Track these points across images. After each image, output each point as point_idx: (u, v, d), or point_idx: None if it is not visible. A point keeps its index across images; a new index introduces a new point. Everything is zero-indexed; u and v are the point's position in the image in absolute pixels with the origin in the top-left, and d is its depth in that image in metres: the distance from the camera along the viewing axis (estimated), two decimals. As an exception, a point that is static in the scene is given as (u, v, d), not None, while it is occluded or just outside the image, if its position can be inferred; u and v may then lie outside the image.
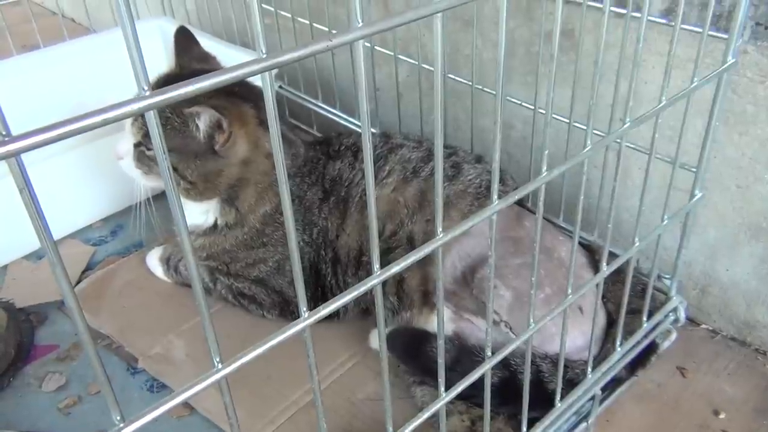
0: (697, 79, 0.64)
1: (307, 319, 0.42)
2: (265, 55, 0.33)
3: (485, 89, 0.98)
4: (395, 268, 0.46)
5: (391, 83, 1.10)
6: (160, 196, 0.95)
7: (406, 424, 0.53)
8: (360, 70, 0.38)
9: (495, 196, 0.50)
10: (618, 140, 0.59)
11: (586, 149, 0.55)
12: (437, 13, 0.39)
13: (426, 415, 0.54)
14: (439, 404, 0.54)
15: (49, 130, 0.27)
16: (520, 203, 0.88)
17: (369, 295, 0.91)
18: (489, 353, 0.57)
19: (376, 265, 0.45)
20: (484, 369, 0.57)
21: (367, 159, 0.41)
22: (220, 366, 0.38)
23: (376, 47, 1.08)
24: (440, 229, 0.48)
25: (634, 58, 0.56)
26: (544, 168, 0.52)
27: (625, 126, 0.58)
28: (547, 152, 0.52)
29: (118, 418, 0.35)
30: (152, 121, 0.32)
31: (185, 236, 0.35)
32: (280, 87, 1.25)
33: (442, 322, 0.52)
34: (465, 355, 0.76)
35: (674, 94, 0.62)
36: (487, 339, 0.57)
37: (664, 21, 0.79)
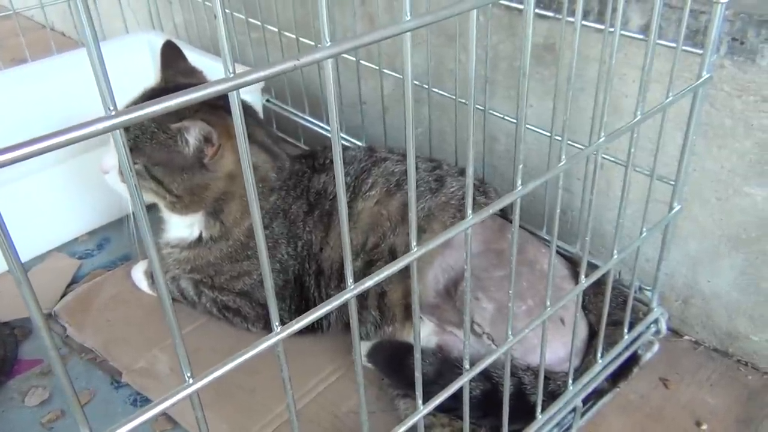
0: (672, 93, 0.65)
1: (280, 333, 0.42)
2: (232, 74, 0.34)
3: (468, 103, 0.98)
4: (369, 282, 0.46)
5: (376, 96, 1.11)
6: (149, 208, 0.95)
7: (383, 437, 0.53)
8: (330, 88, 0.39)
9: (469, 210, 0.51)
10: (594, 153, 0.59)
11: (562, 163, 0.56)
12: (406, 32, 0.39)
13: (404, 427, 0.54)
14: (417, 417, 0.55)
15: (12, 151, 0.27)
16: (504, 216, 0.89)
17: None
18: (467, 365, 0.57)
19: (350, 279, 0.45)
20: (463, 381, 0.57)
21: (338, 171, 0.41)
22: (191, 380, 0.39)
23: (361, 61, 1.09)
24: (415, 243, 0.48)
25: (608, 73, 0.57)
26: (519, 182, 0.53)
27: (600, 140, 0.58)
28: (521, 166, 0.53)
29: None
30: (119, 141, 0.32)
31: (153, 251, 0.35)
32: (268, 101, 1.26)
33: (418, 335, 0.52)
34: (448, 368, 0.76)
35: (650, 109, 0.63)
36: (465, 351, 0.57)
37: (641, 36, 0.80)
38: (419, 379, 0.53)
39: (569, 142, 0.89)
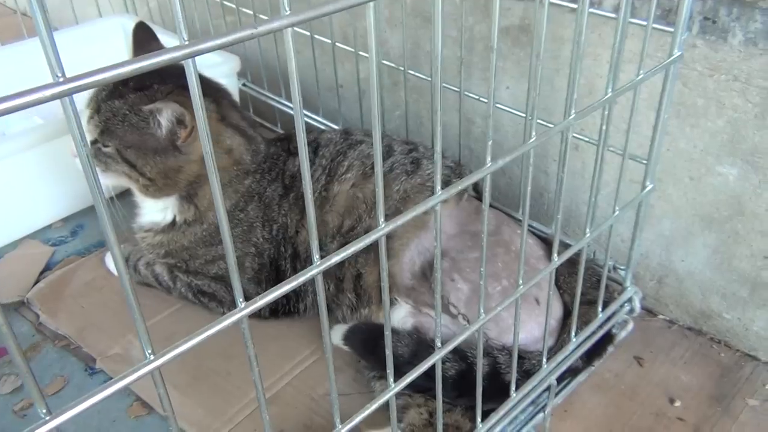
0: (643, 71, 0.65)
1: (244, 309, 0.42)
2: (186, 42, 0.33)
3: (445, 85, 0.98)
4: (336, 258, 0.46)
5: (353, 80, 1.10)
6: (124, 194, 0.94)
7: (354, 415, 0.53)
8: (291, 58, 0.38)
9: (438, 187, 0.50)
10: (564, 131, 0.59)
11: (532, 140, 0.56)
12: (369, 2, 0.39)
13: (375, 405, 0.54)
14: (389, 394, 0.55)
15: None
16: (480, 198, 0.89)
17: (328, 291, 0.91)
18: (439, 344, 0.57)
19: (316, 256, 0.45)
20: (435, 359, 0.57)
21: (301, 147, 0.41)
22: (152, 357, 0.38)
23: (337, 44, 1.08)
24: (382, 219, 0.48)
25: (576, 51, 0.57)
26: (489, 159, 0.53)
27: (571, 117, 0.58)
28: (491, 143, 0.53)
29: (44, 411, 0.35)
30: (68, 109, 0.31)
31: (111, 237, 0.35)
32: (244, 85, 1.24)
33: (388, 313, 0.52)
34: (423, 349, 0.76)
35: (620, 86, 0.63)
36: (437, 329, 0.57)
37: (614, 15, 0.80)
38: (390, 356, 0.53)
39: (543, 122, 0.89)
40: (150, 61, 0.32)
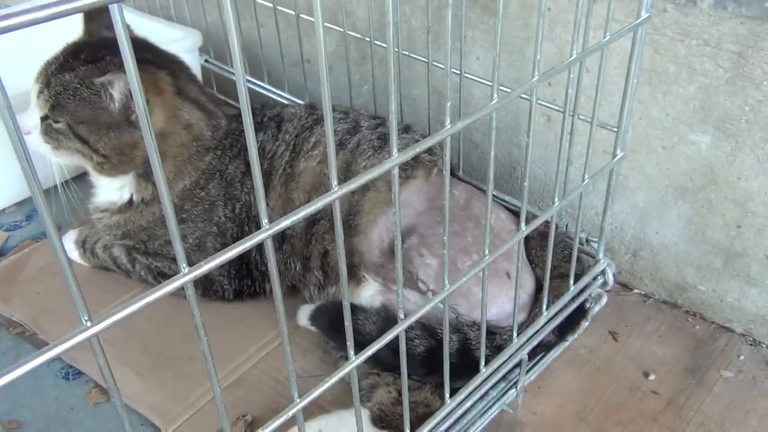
0: (610, 33, 0.63)
1: (187, 275, 0.39)
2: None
3: (412, 55, 0.95)
4: (285, 222, 0.43)
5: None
6: (79, 178, 0.91)
7: (313, 389, 0.50)
8: (228, 13, 0.35)
9: (395, 150, 0.48)
10: (525, 95, 0.57)
11: (493, 102, 0.53)
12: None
13: (334, 379, 0.51)
14: (349, 367, 0.52)
15: None
16: (453, 173, 0.86)
17: (294, 271, 0.88)
18: (402, 315, 0.55)
19: (265, 219, 0.42)
20: (397, 330, 0.55)
21: (244, 111, 0.38)
22: (88, 324, 0.36)
23: (301, 15, 1.04)
24: (335, 183, 0.45)
25: (539, 8, 0.54)
26: (448, 120, 0.51)
27: (534, 79, 0.56)
28: (449, 104, 0.51)
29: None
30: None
31: (40, 201, 0.31)
32: (206, 61, 1.20)
33: (345, 279, 0.49)
34: (392, 327, 0.74)
35: (587, 48, 0.61)
36: (399, 301, 0.55)
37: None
38: (349, 327, 0.51)
39: (507, 89, 0.87)
40: (72, 4, 0.29)
